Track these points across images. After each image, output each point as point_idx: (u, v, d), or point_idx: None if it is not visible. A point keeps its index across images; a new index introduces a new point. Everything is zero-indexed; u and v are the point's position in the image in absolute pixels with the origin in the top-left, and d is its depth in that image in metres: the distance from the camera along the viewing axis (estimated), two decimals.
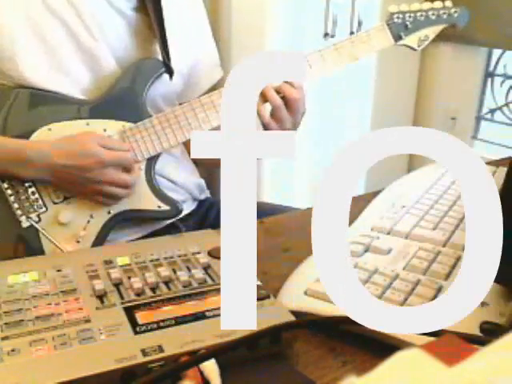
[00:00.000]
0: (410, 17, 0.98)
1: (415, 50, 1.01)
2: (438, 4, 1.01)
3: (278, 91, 0.90)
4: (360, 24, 1.92)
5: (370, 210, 0.70)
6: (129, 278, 0.48)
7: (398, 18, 0.98)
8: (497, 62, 2.20)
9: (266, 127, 0.91)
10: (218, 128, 0.90)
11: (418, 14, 0.99)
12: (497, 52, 2.19)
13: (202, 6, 1.06)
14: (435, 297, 0.48)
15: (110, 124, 0.87)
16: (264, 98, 0.89)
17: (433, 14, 1.00)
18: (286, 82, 0.90)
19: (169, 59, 0.91)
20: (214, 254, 0.53)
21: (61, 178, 0.84)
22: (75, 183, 0.84)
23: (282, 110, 0.89)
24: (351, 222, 0.67)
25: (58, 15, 0.85)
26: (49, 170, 0.83)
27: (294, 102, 0.89)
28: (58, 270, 0.49)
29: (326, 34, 1.87)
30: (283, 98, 0.89)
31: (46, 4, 0.85)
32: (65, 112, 0.86)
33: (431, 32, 1.01)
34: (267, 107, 0.90)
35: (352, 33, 1.92)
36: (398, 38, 0.98)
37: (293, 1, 1.78)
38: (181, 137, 0.89)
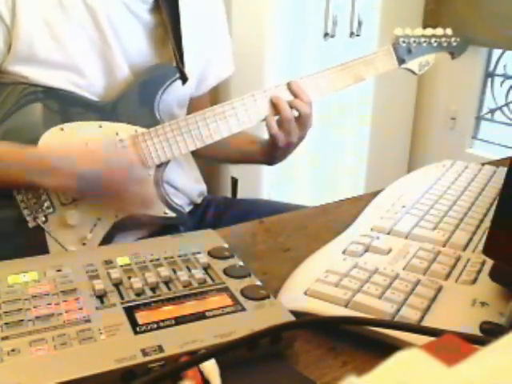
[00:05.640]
0: (414, 42, 1.01)
1: (416, 74, 1.03)
2: (439, 31, 1.04)
3: (290, 106, 0.91)
4: (360, 24, 1.92)
5: (370, 210, 0.70)
6: (129, 278, 0.48)
7: (403, 42, 1.00)
8: (497, 62, 2.20)
9: (273, 138, 0.93)
10: (228, 138, 0.91)
11: (422, 39, 1.01)
12: (497, 52, 2.19)
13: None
14: (435, 297, 0.48)
15: (123, 128, 0.87)
16: (276, 110, 0.91)
17: (435, 41, 1.03)
18: (297, 98, 0.92)
19: (183, 65, 0.91)
20: (214, 253, 0.53)
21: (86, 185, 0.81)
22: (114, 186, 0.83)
23: (292, 123, 0.91)
24: (351, 222, 0.67)
25: (75, 19, 0.85)
26: (73, 178, 0.80)
27: (305, 118, 0.92)
28: (58, 270, 0.49)
29: (326, 34, 1.87)
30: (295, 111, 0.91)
31: (63, 7, 0.84)
32: (78, 113, 0.86)
33: (432, 58, 1.04)
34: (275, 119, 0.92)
35: (352, 33, 1.92)
36: (401, 61, 1.01)
37: (293, 1, 1.77)
38: (191, 145, 0.89)
